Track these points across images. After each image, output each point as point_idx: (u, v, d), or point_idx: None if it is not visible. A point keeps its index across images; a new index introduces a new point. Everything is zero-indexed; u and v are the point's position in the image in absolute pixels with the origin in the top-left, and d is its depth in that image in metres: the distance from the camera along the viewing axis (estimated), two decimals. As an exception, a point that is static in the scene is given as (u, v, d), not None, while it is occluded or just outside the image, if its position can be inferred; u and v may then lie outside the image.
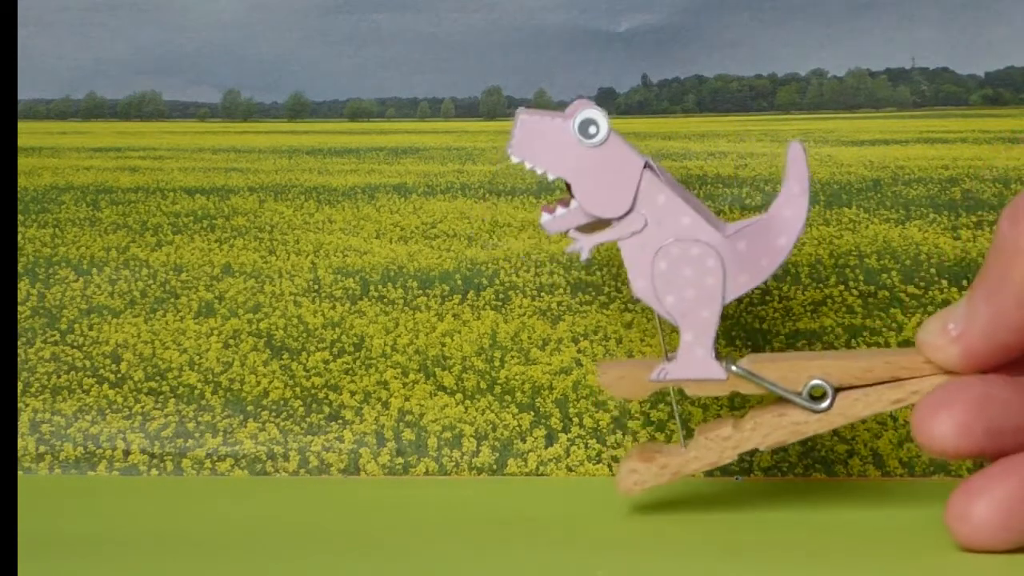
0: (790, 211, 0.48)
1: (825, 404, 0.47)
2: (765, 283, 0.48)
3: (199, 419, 0.58)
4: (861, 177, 0.57)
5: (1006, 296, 0.43)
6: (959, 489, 0.44)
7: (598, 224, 0.48)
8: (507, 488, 0.55)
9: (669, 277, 0.47)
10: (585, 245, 0.48)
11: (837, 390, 0.47)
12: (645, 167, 0.47)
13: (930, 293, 0.55)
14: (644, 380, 0.48)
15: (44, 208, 0.59)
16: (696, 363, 0.48)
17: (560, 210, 0.48)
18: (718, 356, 0.48)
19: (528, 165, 0.47)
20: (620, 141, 0.47)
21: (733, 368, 0.48)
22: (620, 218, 0.47)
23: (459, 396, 0.57)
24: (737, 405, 0.54)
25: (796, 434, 0.47)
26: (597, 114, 0.47)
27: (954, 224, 0.56)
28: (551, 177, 0.47)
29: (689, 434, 0.49)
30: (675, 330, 0.48)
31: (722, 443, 0.48)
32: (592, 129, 0.47)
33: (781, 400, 0.47)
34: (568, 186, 0.47)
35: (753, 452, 0.48)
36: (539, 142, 0.47)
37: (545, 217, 0.48)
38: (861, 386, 0.47)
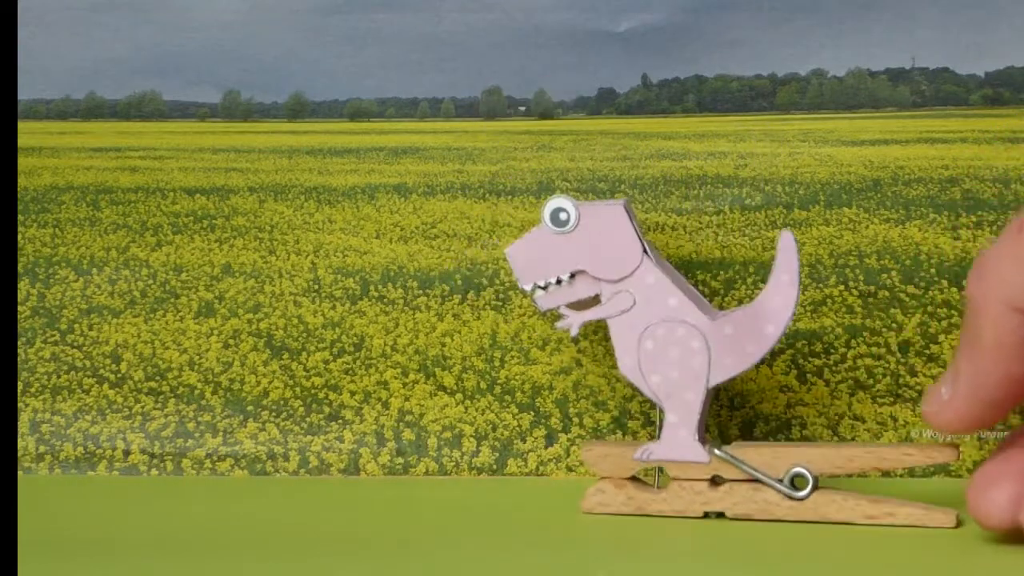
0: (779, 300, 0.48)
1: (803, 493, 0.48)
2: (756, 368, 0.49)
3: (199, 419, 0.58)
4: (861, 177, 0.57)
5: (982, 354, 0.44)
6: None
7: (589, 302, 0.49)
8: (507, 488, 0.55)
9: (655, 357, 0.48)
10: (575, 321, 0.49)
11: (818, 483, 0.48)
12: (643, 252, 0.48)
13: (930, 293, 0.55)
14: (627, 459, 0.49)
15: (44, 208, 0.59)
16: (679, 445, 0.48)
17: (553, 287, 0.49)
18: (703, 439, 0.48)
19: (542, 284, 0.49)
20: (594, 208, 0.48)
21: (716, 452, 0.48)
22: (610, 296, 0.48)
23: (459, 396, 0.57)
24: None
25: (764, 512, 0.48)
26: (560, 201, 0.48)
27: (954, 224, 0.56)
28: (566, 277, 0.49)
29: (667, 478, 0.49)
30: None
31: (693, 496, 0.49)
32: (563, 216, 0.48)
33: None
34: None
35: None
36: (533, 259, 0.49)
37: (539, 293, 0.49)
38: (844, 474, 0.48)
